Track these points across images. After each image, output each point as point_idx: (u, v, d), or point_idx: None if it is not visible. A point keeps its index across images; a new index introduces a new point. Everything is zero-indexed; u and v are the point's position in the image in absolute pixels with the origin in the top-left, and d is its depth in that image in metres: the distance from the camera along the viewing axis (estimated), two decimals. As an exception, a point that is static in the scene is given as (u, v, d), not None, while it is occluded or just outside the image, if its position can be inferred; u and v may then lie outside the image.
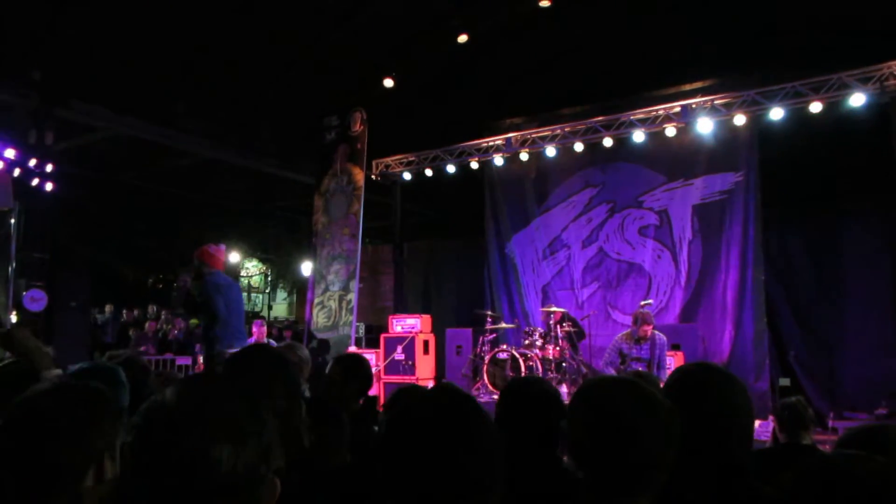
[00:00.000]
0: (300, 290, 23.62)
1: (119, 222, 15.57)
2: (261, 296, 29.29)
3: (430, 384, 10.20)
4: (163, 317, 14.21)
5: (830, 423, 8.35)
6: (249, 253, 26.05)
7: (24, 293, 8.66)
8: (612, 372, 7.34)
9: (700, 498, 1.51)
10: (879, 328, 9.36)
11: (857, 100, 8.59)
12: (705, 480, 1.59)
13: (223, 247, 6.61)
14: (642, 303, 8.60)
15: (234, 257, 24.95)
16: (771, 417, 6.64)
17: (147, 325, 14.13)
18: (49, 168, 9.11)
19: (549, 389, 2.41)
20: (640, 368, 7.21)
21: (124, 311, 15.33)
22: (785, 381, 8.70)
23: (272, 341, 9.43)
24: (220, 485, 1.01)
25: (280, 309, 28.32)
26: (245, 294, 28.64)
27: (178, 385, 1.11)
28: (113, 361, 4.08)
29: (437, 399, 1.32)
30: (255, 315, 24.90)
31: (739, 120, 9.49)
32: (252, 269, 28.36)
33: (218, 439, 1.03)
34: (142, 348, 12.59)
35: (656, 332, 7.56)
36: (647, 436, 1.43)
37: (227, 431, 1.04)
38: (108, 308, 15.03)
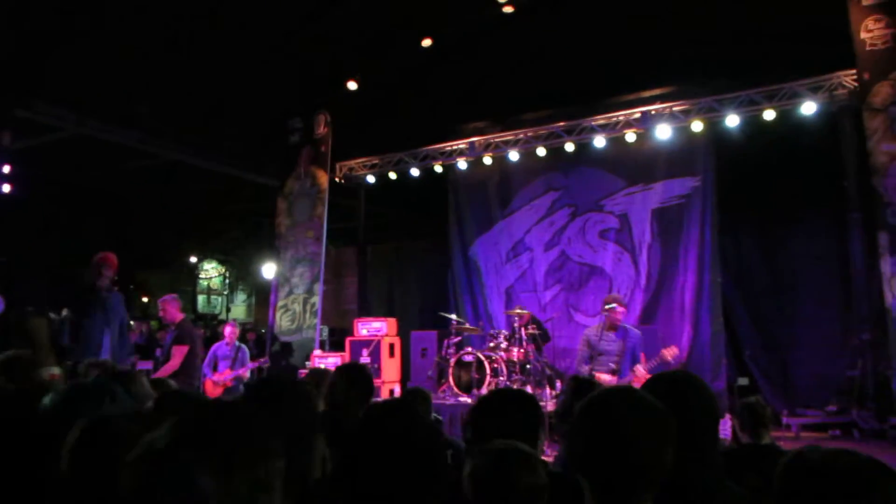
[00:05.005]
0: (259, 293, 23.38)
1: (77, 224, 15.25)
2: (220, 298, 28.88)
3: (397, 387, 10.26)
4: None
5: (784, 420, 8.67)
6: (208, 255, 25.73)
7: (-19, 297, 8.43)
8: (585, 369, 7.06)
9: (681, 497, 1.61)
10: (830, 328, 9.70)
11: (808, 108, 8.92)
12: (686, 481, 1.70)
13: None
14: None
15: (192, 259, 24.66)
16: (728, 416, 6.83)
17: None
18: (6, 169, 8.94)
19: (527, 394, 2.61)
20: (611, 364, 6.93)
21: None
22: (743, 381, 8.96)
23: (244, 346, 9.34)
24: None
25: (239, 311, 27.98)
26: (204, 296, 28.29)
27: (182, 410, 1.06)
28: (93, 368, 4.09)
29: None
30: (214, 318, 24.57)
31: (697, 126, 9.74)
32: (211, 271, 27.97)
33: (204, 470, 0.97)
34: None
35: (630, 327, 7.37)
36: (643, 437, 1.52)
37: (214, 462, 0.98)
38: (63, 312, 14.68)
